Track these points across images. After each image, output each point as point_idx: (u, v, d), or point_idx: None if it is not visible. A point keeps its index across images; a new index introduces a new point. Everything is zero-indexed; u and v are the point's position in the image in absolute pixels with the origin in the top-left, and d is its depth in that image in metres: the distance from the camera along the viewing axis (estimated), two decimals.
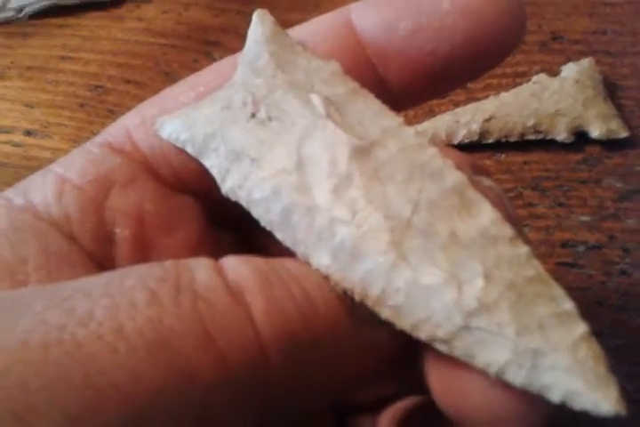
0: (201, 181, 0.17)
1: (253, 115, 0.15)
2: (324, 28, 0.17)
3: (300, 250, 0.14)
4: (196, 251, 0.17)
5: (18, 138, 0.41)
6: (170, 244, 0.17)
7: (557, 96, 0.36)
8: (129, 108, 0.47)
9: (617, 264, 0.30)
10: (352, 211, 0.14)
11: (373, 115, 0.15)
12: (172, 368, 0.11)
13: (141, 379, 0.11)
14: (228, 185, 0.15)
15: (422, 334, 0.13)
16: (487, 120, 0.36)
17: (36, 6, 0.49)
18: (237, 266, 0.13)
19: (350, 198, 0.14)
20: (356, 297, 0.13)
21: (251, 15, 0.17)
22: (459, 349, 0.13)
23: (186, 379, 0.11)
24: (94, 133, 0.41)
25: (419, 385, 0.15)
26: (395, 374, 0.18)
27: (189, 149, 0.16)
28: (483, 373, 0.13)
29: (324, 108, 0.15)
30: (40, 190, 0.16)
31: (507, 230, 0.13)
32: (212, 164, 0.16)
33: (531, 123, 0.35)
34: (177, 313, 0.12)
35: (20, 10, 0.49)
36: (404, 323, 0.13)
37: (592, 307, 0.29)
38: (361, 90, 0.16)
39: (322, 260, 0.14)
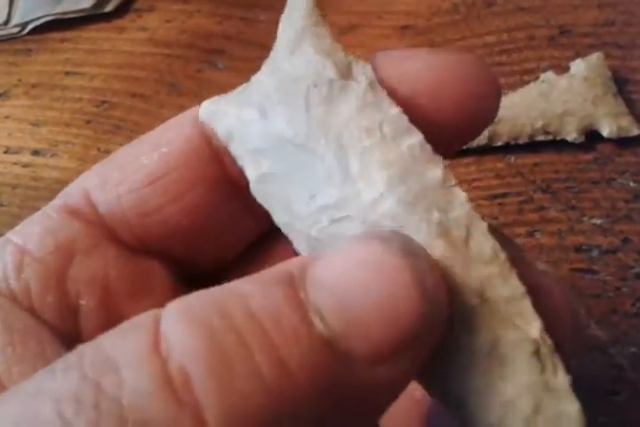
0: (163, 243, 0.17)
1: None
2: None
3: None
4: None
5: (26, 158, 0.41)
6: (138, 310, 0.16)
7: (566, 95, 0.35)
8: (135, 123, 0.47)
9: (632, 268, 0.30)
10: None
11: None
12: None
13: None
14: None
15: None
16: (495, 122, 0.35)
17: (39, 21, 0.49)
18: (180, 332, 0.11)
19: None
20: None
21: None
22: None
23: None
24: (100, 151, 0.41)
25: None
26: None
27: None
28: None
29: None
30: None
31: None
32: None
33: (539, 124, 0.35)
34: None
35: (24, 26, 0.50)
36: None
37: (606, 314, 0.28)
38: None
39: None
